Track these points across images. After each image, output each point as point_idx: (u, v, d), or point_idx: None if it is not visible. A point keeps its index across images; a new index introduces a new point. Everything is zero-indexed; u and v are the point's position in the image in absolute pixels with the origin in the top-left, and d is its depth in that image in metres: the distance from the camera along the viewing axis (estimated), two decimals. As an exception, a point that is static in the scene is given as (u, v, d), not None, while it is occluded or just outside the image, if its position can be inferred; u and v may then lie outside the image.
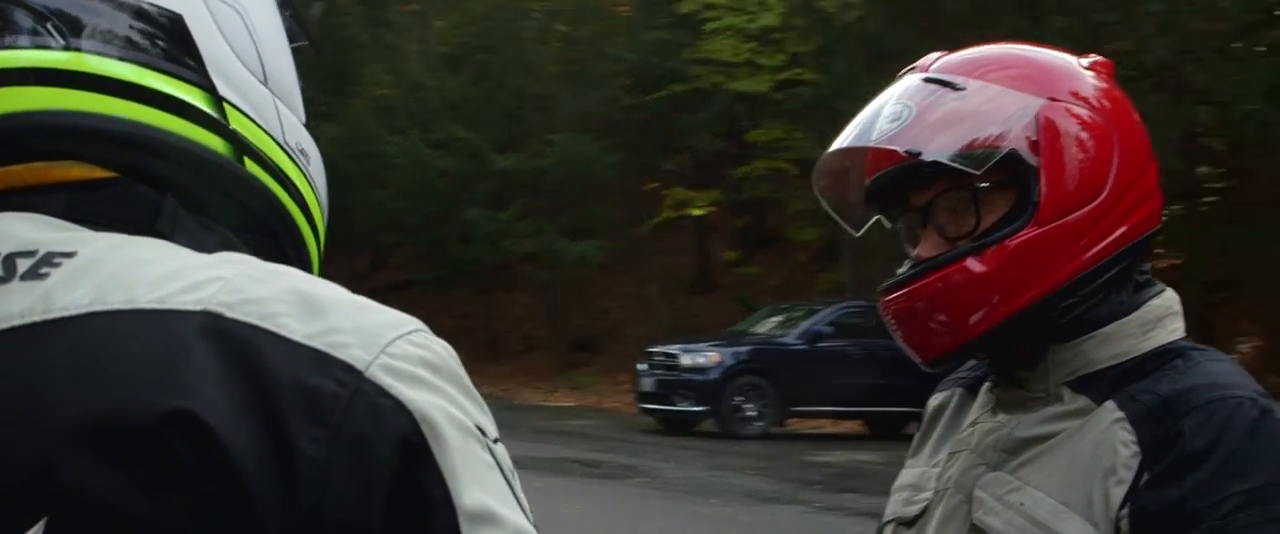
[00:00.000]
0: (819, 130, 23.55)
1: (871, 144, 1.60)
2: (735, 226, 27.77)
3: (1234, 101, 16.85)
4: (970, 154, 1.53)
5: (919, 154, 1.54)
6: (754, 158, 24.87)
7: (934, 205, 1.59)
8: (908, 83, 1.63)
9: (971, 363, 1.73)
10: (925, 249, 1.58)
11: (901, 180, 1.61)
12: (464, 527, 0.76)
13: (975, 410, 1.68)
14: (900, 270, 1.62)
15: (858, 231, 1.75)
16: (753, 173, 24.90)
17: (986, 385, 1.68)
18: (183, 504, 0.71)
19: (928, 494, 1.67)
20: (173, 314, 0.76)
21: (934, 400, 1.80)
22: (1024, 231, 1.52)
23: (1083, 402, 1.54)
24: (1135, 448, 1.46)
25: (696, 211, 25.44)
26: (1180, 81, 17.54)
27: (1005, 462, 1.58)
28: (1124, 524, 1.45)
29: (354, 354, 0.77)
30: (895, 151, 1.57)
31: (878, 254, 23.74)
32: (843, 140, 1.64)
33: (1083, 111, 1.56)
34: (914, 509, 1.68)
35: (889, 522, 1.74)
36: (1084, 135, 1.55)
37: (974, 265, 1.53)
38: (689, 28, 24.18)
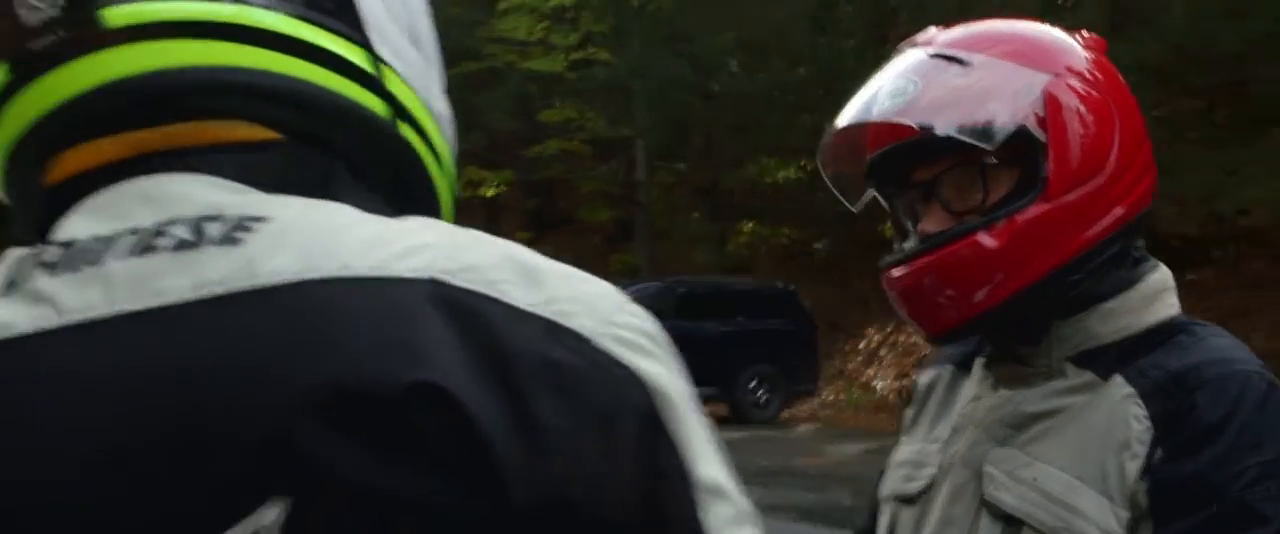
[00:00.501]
0: (612, 110, 23.72)
1: (877, 119, 1.59)
2: (527, 206, 27.70)
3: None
4: (981, 129, 1.53)
5: (932, 128, 1.53)
6: (546, 138, 24.84)
7: (939, 180, 1.58)
8: (911, 58, 1.61)
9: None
10: (930, 224, 1.58)
11: (906, 155, 1.60)
12: (700, 499, 0.73)
13: (972, 386, 1.68)
14: (906, 245, 1.61)
15: (856, 207, 1.73)
16: (545, 153, 24.88)
17: (981, 361, 1.68)
18: (428, 477, 0.67)
19: (931, 470, 1.66)
20: (395, 282, 0.71)
21: (924, 377, 1.81)
22: (1033, 207, 1.53)
23: (1088, 376, 1.55)
24: (1147, 423, 1.48)
25: (489, 191, 25.30)
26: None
27: (1012, 437, 1.58)
28: (1140, 498, 1.46)
29: (583, 324, 0.73)
30: (902, 126, 1.56)
31: (671, 235, 24.04)
32: (847, 117, 1.62)
33: (1086, 88, 1.57)
34: (917, 485, 1.68)
35: (889, 498, 1.73)
36: (1087, 112, 1.56)
37: (985, 240, 1.53)
38: (483, 5, 24.01)
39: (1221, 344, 1.54)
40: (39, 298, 0.72)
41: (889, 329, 19.07)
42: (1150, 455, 1.47)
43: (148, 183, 0.76)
